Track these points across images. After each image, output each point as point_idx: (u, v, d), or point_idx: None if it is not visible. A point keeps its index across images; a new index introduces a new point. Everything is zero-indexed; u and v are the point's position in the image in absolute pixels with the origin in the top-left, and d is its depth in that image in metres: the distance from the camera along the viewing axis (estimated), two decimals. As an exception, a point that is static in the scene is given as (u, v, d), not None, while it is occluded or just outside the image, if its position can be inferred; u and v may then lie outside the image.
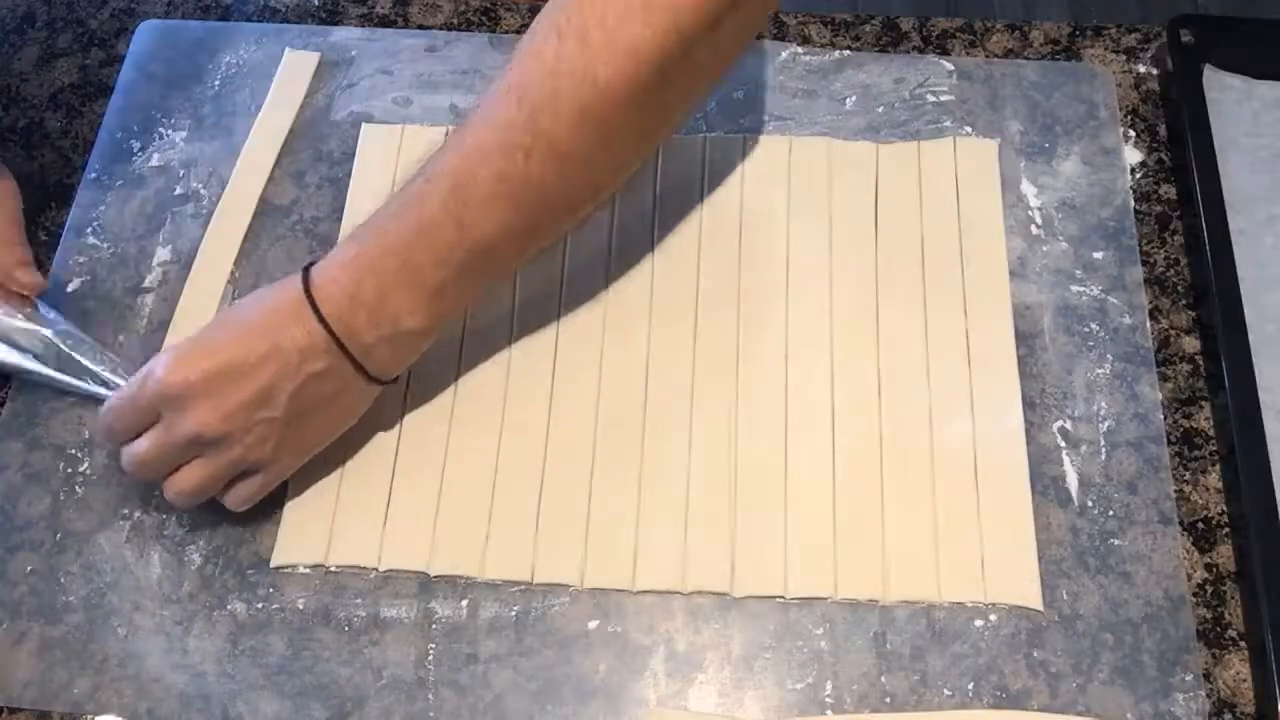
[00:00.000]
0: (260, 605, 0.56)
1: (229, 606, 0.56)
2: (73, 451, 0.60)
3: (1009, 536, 0.57)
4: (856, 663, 0.55)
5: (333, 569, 0.57)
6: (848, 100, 0.70)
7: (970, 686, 0.54)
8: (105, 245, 0.66)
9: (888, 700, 0.54)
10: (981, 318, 0.63)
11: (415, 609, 0.56)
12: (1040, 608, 0.56)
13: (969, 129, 0.69)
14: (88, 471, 0.59)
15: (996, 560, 0.57)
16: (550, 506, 0.58)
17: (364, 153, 0.68)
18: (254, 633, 0.56)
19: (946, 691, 0.54)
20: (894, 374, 0.61)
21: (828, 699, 0.54)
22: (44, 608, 0.56)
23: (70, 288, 0.64)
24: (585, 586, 0.56)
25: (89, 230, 0.66)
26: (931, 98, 0.70)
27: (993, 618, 0.56)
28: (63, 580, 0.57)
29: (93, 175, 0.68)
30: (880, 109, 0.69)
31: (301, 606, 0.56)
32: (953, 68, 0.71)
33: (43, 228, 0.67)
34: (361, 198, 0.66)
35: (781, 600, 0.56)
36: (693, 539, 0.57)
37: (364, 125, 0.69)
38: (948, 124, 0.69)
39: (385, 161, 0.68)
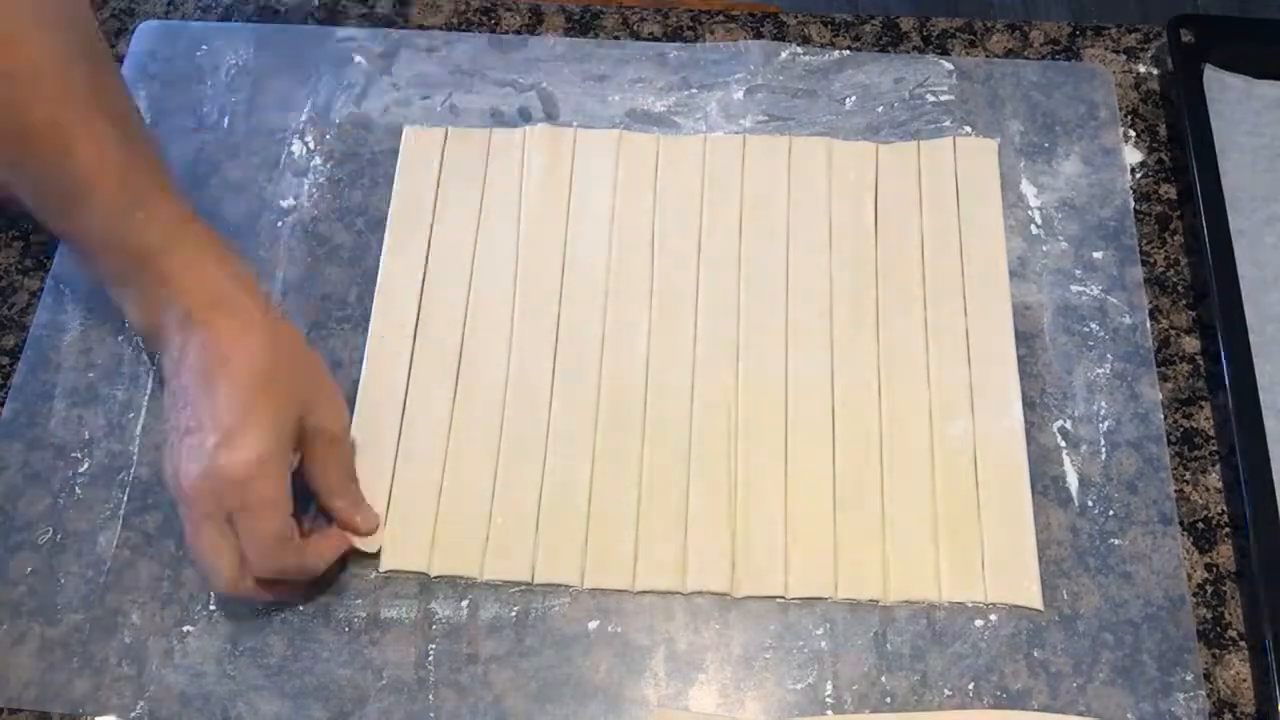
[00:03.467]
0: (260, 605, 0.56)
1: (229, 607, 0.56)
2: (73, 452, 0.60)
3: (1009, 536, 0.57)
4: (857, 663, 0.55)
5: (334, 568, 0.57)
6: (847, 100, 0.70)
7: (970, 686, 0.54)
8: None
9: (888, 700, 0.54)
10: (981, 317, 0.63)
11: (415, 609, 0.56)
12: (1040, 607, 0.56)
13: (969, 129, 0.69)
14: (88, 471, 0.59)
15: (997, 560, 0.57)
16: (550, 507, 0.58)
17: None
18: (254, 633, 0.56)
19: (947, 691, 0.54)
20: (894, 374, 0.61)
21: (828, 699, 0.54)
22: (44, 608, 0.56)
23: (69, 288, 0.64)
24: (585, 587, 0.56)
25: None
26: (931, 97, 0.70)
27: (993, 618, 0.56)
28: (63, 580, 0.57)
29: None
30: (880, 109, 0.69)
31: (301, 607, 0.56)
32: (952, 67, 0.70)
33: (43, 228, 0.67)
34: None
35: (782, 600, 0.56)
36: (693, 539, 0.57)
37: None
38: (947, 124, 0.69)
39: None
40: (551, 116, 0.69)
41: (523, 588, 0.57)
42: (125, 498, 0.59)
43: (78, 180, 0.52)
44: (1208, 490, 0.59)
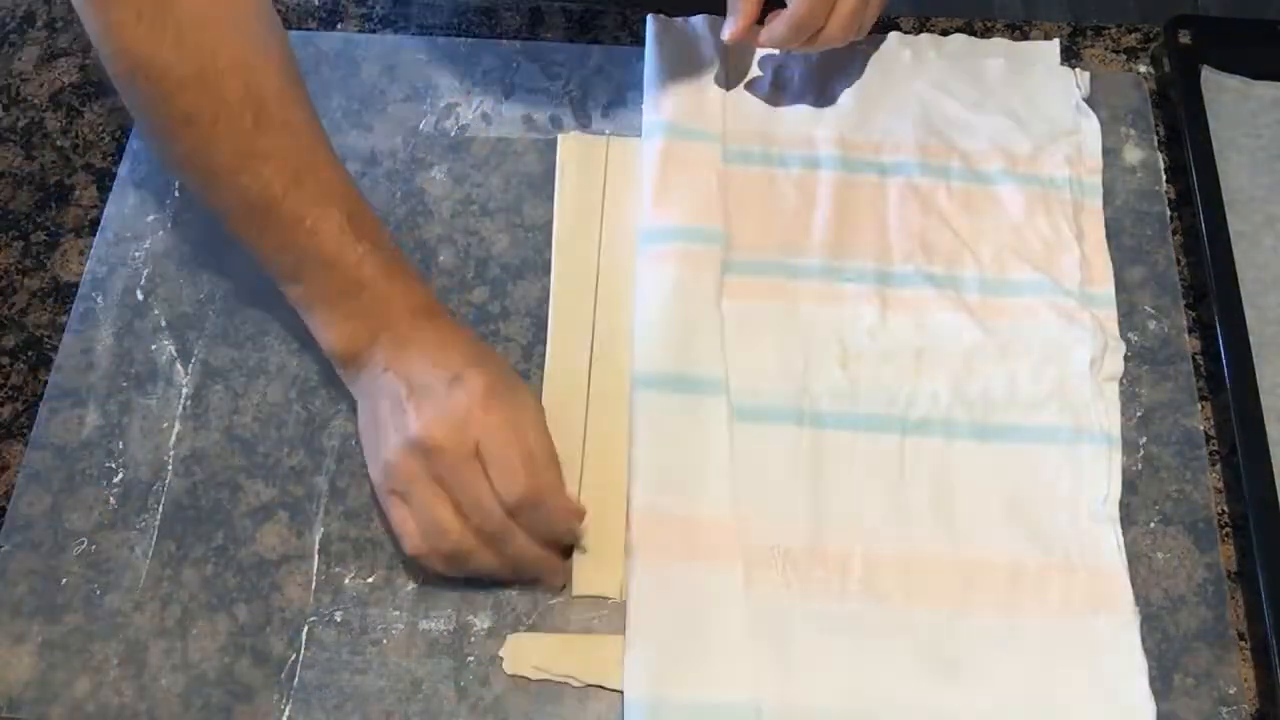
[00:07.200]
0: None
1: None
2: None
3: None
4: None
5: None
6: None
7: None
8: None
9: None
10: None
11: (453, 622, 0.56)
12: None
13: None
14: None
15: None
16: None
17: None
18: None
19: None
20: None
21: None
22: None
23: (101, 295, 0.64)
24: (622, 599, 0.56)
25: (114, 231, 0.66)
26: None
27: None
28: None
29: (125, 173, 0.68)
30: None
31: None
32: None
33: (43, 228, 0.67)
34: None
35: None
36: None
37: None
38: None
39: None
40: (584, 124, 0.69)
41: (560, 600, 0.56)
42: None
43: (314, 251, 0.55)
44: (1208, 490, 0.59)
